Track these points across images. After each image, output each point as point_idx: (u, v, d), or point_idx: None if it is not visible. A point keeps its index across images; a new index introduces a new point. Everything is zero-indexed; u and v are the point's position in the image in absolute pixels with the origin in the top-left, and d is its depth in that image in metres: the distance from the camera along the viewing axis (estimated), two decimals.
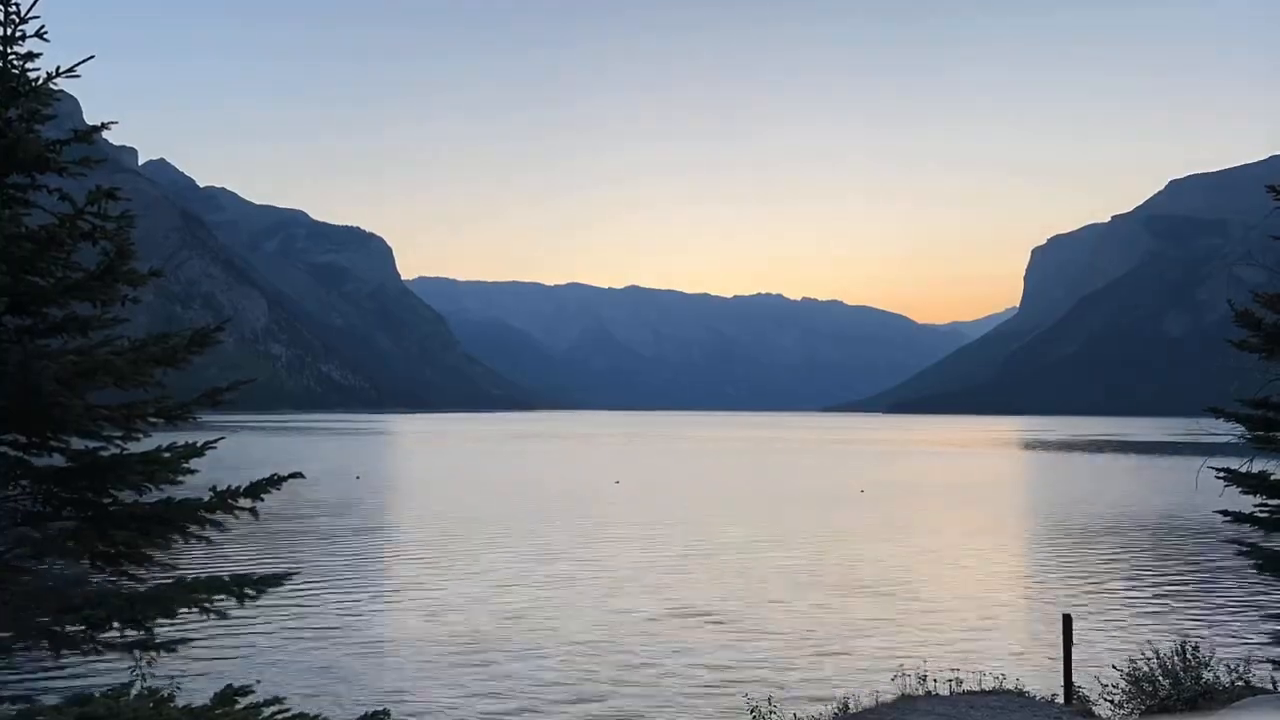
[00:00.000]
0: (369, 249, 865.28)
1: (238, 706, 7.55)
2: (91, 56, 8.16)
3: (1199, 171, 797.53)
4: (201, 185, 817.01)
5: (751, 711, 14.26)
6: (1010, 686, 15.09)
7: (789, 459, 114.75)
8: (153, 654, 7.98)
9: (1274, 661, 15.94)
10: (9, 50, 7.67)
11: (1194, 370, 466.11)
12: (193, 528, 7.84)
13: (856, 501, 60.17)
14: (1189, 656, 15.00)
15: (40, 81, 7.75)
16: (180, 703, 7.49)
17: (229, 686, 7.77)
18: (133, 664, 8.38)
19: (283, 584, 8.27)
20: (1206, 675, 14.73)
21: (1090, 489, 70.05)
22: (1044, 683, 17.08)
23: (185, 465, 7.74)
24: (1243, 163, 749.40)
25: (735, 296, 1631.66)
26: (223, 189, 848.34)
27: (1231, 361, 15.35)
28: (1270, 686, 15.01)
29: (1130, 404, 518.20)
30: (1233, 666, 15.23)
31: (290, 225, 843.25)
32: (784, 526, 47.20)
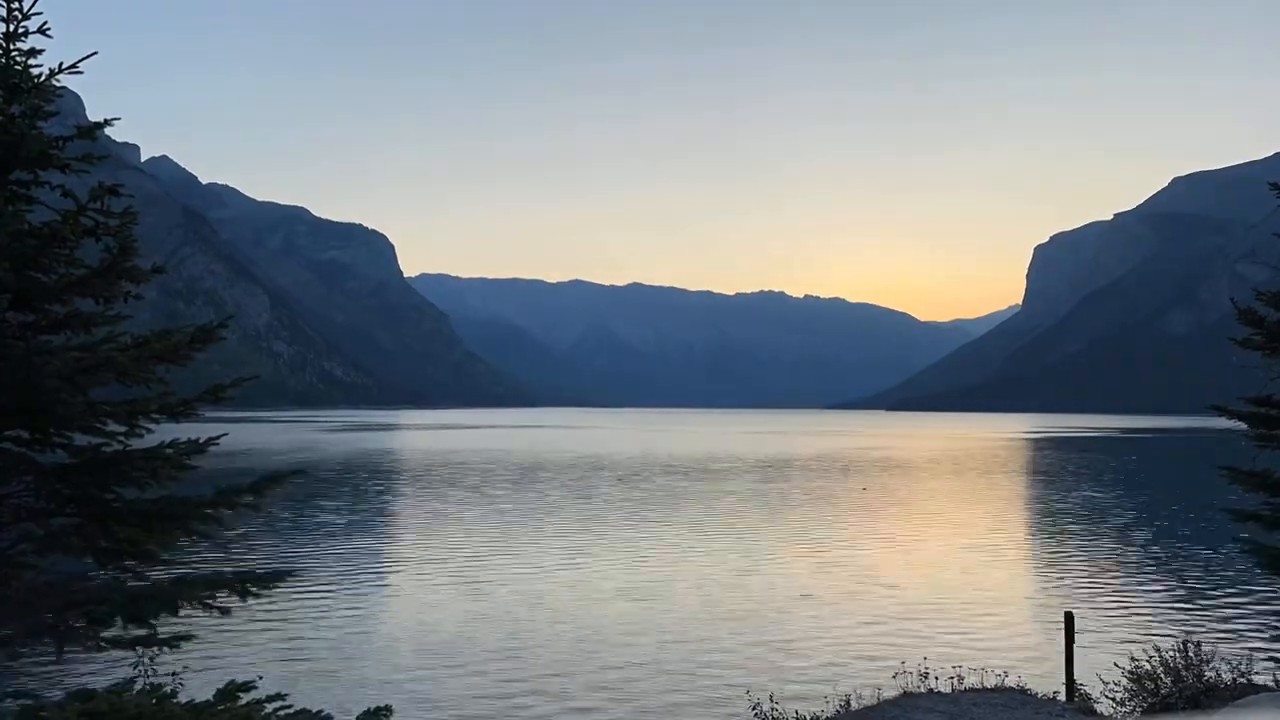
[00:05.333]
0: (371, 246, 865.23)
1: (240, 702, 7.56)
2: (94, 53, 8.15)
3: (1202, 169, 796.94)
4: (204, 182, 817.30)
5: (754, 708, 14.27)
6: (1012, 684, 15.08)
7: (795, 455, 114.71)
8: (156, 650, 8.00)
9: (1277, 659, 15.93)
10: (11, 47, 7.68)
11: (1197, 368, 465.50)
12: (196, 524, 7.85)
13: (858, 499, 60.18)
14: (1191, 654, 15.00)
15: (43, 78, 7.75)
16: (183, 699, 7.51)
17: (232, 682, 7.78)
18: (136, 660, 8.41)
19: (286, 581, 8.29)
20: (1209, 673, 14.73)
21: (1092, 486, 70.01)
22: (1046, 680, 17.08)
23: (188, 461, 7.75)
24: (1246, 160, 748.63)
25: (737, 294, 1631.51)
26: (225, 186, 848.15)
27: (1235, 359, 15.32)
28: (1273, 684, 14.99)
29: (1133, 402, 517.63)
30: (1235, 664, 15.22)
31: (293, 222, 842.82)
32: (783, 523, 47.21)
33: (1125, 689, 15.10)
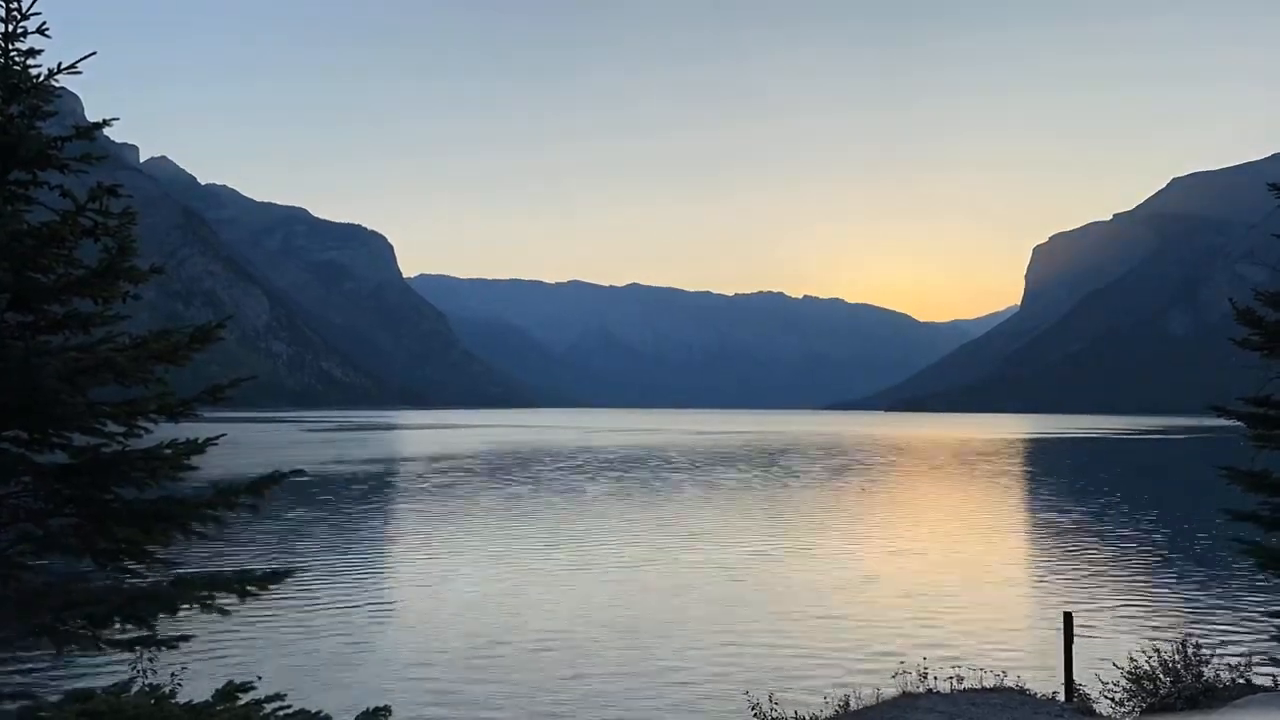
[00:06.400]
0: (370, 246, 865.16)
1: (239, 703, 7.56)
2: (93, 53, 8.13)
3: (1202, 169, 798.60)
4: (203, 182, 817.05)
5: (753, 708, 14.27)
6: (1011, 684, 15.08)
7: (793, 455, 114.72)
8: (154, 651, 7.99)
9: (1275, 660, 15.94)
10: (10, 47, 7.66)
11: (1196, 369, 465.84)
12: (194, 524, 7.84)
13: (857, 499, 60.18)
14: (1190, 654, 15.00)
15: (42, 78, 7.73)
16: (182, 699, 7.51)
17: (230, 683, 7.78)
18: (135, 661, 8.40)
19: (285, 581, 8.28)
20: (1207, 673, 14.73)
21: (1091, 486, 70.04)
22: (1045, 680, 17.08)
23: (187, 461, 7.74)
24: (1245, 161, 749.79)
25: (736, 295, 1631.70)
26: (224, 186, 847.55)
27: (1235, 360, 15.33)
28: (1271, 684, 14.99)
29: (1132, 402, 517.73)
30: (1234, 664, 15.22)
31: (291, 223, 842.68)
32: (781, 522, 47.21)
33: (1124, 689, 15.10)
